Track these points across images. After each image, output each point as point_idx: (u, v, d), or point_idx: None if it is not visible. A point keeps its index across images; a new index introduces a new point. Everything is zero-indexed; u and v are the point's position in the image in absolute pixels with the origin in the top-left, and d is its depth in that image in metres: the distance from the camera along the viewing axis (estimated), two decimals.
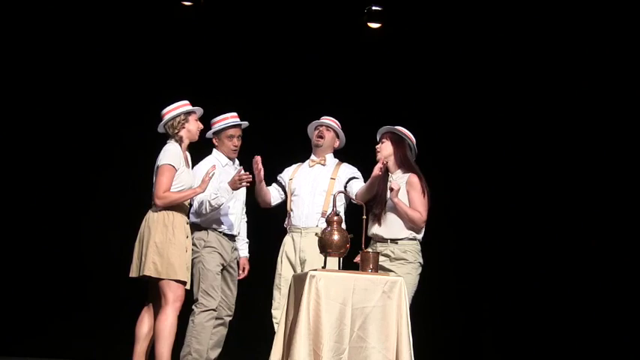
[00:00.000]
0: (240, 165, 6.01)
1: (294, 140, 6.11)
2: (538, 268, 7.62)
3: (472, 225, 7.81)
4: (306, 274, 4.73)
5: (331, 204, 5.37)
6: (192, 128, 5.51)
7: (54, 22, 7.81)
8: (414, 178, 5.63)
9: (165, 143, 5.47)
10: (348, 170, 5.97)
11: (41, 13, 7.81)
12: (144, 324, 5.39)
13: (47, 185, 7.88)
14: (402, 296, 4.74)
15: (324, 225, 5.69)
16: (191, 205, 5.64)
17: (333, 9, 7.79)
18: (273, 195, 5.95)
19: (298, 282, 4.86)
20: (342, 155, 6.13)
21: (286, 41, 7.92)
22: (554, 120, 7.70)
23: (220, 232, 5.77)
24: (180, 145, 5.46)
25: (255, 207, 6.10)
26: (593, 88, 7.55)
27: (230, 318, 5.87)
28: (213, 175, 5.47)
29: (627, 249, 7.36)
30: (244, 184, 5.62)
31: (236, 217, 5.87)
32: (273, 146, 6.24)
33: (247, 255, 6.09)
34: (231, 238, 5.86)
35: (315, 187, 5.89)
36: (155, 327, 5.28)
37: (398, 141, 5.73)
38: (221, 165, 5.83)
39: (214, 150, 5.94)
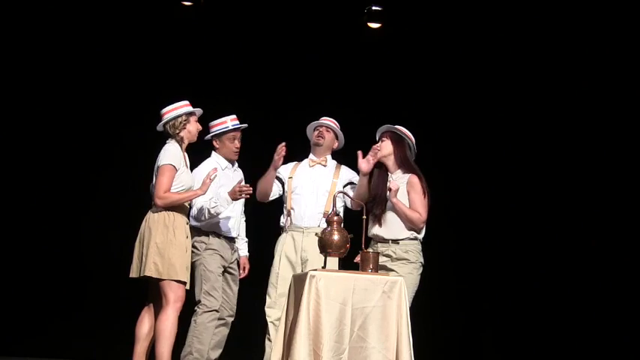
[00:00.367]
0: (240, 168, 6.03)
1: (294, 140, 6.10)
2: (538, 268, 7.62)
3: (472, 225, 7.81)
4: (306, 274, 4.73)
5: (332, 205, 5.39)
6: (192, 129, 5.51)
7: (54, 22, 7.81)
8: (415, 179, 5.63)
9: (165, 143, 5.47)
10: (349, 174, 5.98)
11: (41, 13, 7.81)
12: (144, 324, 5.39)
13: (47, 185, 7.88)
14: (402, 296, 4.74)
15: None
16: (191, 206, 5.64)
17: (333, 9, 7.79)
18: (273, 190, 5.95)
19: (298, 282, 4.86)
20: (341, 155, 6.14)
21: (286, 41, 7.92)
22: (554, 120, 7.70)
23: (221, 235, 5.77)
24: (180, 145, 5.46)
25: (254, 207, 6.09)
26: (593, 88, 7.55)
27: (232, 318, 5.87)
28: (215, 177, 5.47)
29: (627, 249, 7.37)
30: (244, 195, 5.64)
31: (236, 220, 5.88)
32: (273, 146, 6.22)
33: (247, 254, 6.09)
34: (232, 240, 5.86)
35: (318, 187, 5.90)
36: (156, 327, 5.28)
37: (398, 140, 5.72)
38: (221, 168, 5.84)
39: (213, 153, 5.93)
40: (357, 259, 5.15)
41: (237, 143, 5.91)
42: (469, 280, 7.81)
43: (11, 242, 7.81)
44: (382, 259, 5.46)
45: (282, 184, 5.98)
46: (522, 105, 7.77)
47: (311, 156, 6.05)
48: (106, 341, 7.43)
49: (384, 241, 5.58)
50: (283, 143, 5.74)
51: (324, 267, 4.94)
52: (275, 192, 5.96)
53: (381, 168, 5.75)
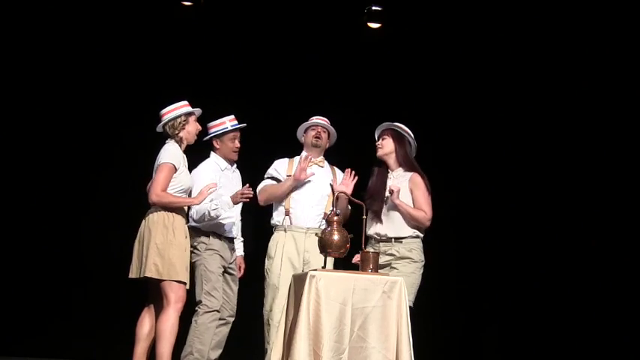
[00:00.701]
0: (240, 168, 6.03)
1: (294, 140, 6.11)
2: (538, 268, 7.63)
3: (472, 225, 7.81)
4: (306, 274, 4.73)
5: (332, 206, 5.40)
6: (191, 130, 5.51)
7: (54, 22, 7.81)
8: (417, 178, 5.62)
9: (164, 143, 5.46)
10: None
11: (41, 13, 7.80)
12: (144, 324, 5.39)
13: (47, 185, 7.88)
14: (402, 296, 4.74)
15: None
16: (190, 207, 5.64)
17: (333, 9, 7.79)
18: None
19: (298, 282, 4.86)
20: (341, 155, 6.14)
21: (286, 41, 7.92)
22: (554, 120, 7.70)
23: (221, 235, 5.78)
24: (179, 146, 5.46)
25: (253, 207, 6.08)
26: (593, 88, 7.55)
27: (232, 318, 5.86)
28: (213, 191, 5.47)
29: (627, 249, 7.37)
30: (245, 199, 5.65)
31: (235, 222, 5.87)
32: (273, 146, 6.23)
33: (243, 254, 6.09)
34: (231, 240, 5.87)
35: (318, 188, 5.88)
36: (156, 327, 5.28)
37: (399, 138, 5.71)
38: (220, 169, 5.84)
39: (212, 153, 5.92)
40: (355, 259, 5.15)
41: (237, 143, 5.91)
42: (469, 280, 7.81)
43: (11, 242, 7.81)
44: (385, 258, 5.47)
45: (279, 181, 5.96)
46: (522, 105, 7.78)
47: (305, 154, 5.99)
48: (106, 341, 7.43)
49: (387, 239, 5.56)
50: (309, 155, 5.77)
51: (324, 267, 4.95)
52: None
53: (381, 166, 5.75)
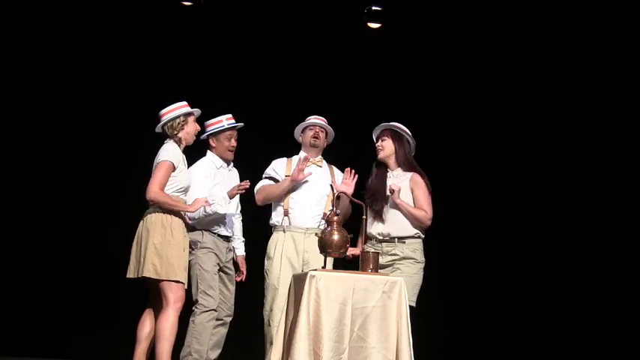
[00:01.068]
0: (239, 167, 6.03)
1: (293, 140, 6.10)
2: (538, 268, 7.63)
3: (472, 225, 7.81)
4: (306, 274, 4.73)
5: (332, 206, 5.42)
6: (190, 130, 5.50)
7: (54, 22, 7.81)
8: (418, 177, 5.63)
9: (163, 143, 5.47)
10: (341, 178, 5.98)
11: (41, 13, 7.80)
12: (145, 325, 5.39)
13: (47, 185, 7.88)
14: (402, 296, 4.74)
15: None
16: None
17: (333, 9, 7.79)
18: None
19: (298, 282, 4.86)
20: (341, 155, 6.14)
21: (286, 41, 7.92)
22: (554, 120, 7.70)
23: (215, 233, 5.77)
24: (178, 146, 5.46)
25: (251, 207, 6.08)
26: (593, 88, 7.55)
27: (230, 318, 5.86)
28: (209, 209, 5.51)
29: (627, 249, 7.37)
30: (241, 190, 5.66)
31: (229, 220, 5.86)
32: (272, 146, 6.22)
33: (244, 254, 6.08)
34: (226, 239, 5.85)
35: (316, 189, 5.88)
36: (156, 327, 5.28)
37: (398, 138, 5.71)
38: (215, 167, 5.85)
39: (209, 152, 5.92)
40: (350, 251, 5.15)
41: (233, 142, 5.91)
42: (469, 280, 7.81)
43: (11, 242, 7.81)
44: (388, 258, 5.47)
45: (277, 181, 5.95)
46: (522, 105, 7.78)
47: (303, 154, 5.99)
48: (106, 341, 7.43)
49: (390, 239, 5.56)
50: (308, 156, 5.78)
51: (324, 267, 4.95)
52: None
53: (380, 165, 5.75)
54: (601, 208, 7.49)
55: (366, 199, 5.58)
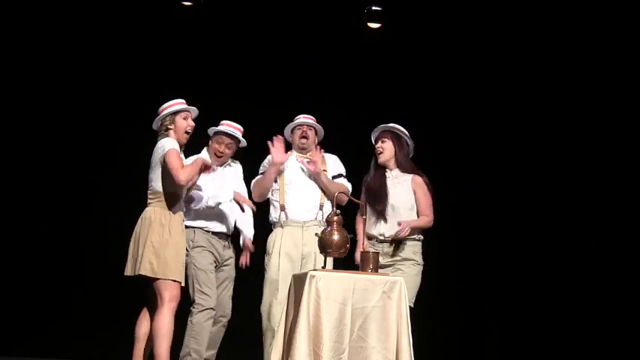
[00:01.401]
0: (240, 167, 6.03)
1: None
2: (538, 268, 7.62)
3: (472, 225, 7.81)
4: (306, 274, 4.73)
5: (325, 197, 5.50)
6: (178, 128, 5.49)
7: (54, 22, 7.81)
8: (419, 179, 5.64)
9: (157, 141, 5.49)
10: (336, 165, 5.99)
11: (41, 13, 7.80)
12: (142, 324, 5.39)
13: (47, 185, 7.88)
14: (402, 296, 4.74)
15: (324, 217, 5.72)
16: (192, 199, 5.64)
17: (333, 9, 7.79)
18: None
19: (298, 282, 4.86)
20: (341, 155, 6.14)
21: (286, 41, 7.92)
22: (554, 120, 7.70)
23: (207, 231, 5.76)
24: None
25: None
26: (593, 88, 7.55)
27: (225, 319, 5.82)
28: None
29: (627, 249, 7.37)
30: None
31: (223, 217, 5.83)
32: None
33: (251, 237, 6.00)
34: (221, 236, 5.83)
35: (311, 181, 5.89)
36: (152, 327, 5.26)
37: (398, 140, 5.71)
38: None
39: (205, 149, 5.93)
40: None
41: (223, 147, 5.87)
42: (469, 280, 7.81)
43: (11, 242, 7.81)
44: (389, 259, 5.46)
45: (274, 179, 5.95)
46: (522, 105, 7.78)
47: (295, 152, 6.01)
48: (106, 341, 7.42)
49: (392, 241, 5.55)
50: (279, 137, 5.78)
51: (324, 267, 4.95)
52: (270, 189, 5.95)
53: (378, 166, 5.74)
54: (601, 208, 7.49)
55: (367, 199, 5.58)
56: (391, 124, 5.73)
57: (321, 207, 5.85)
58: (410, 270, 5.46)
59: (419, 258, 5.55)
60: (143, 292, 5.44)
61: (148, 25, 7.85)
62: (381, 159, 5.69)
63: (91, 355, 7.59)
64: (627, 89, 7.44)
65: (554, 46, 7.63)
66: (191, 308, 5.64)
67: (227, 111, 6.01)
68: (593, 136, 7.56)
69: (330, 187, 5.80)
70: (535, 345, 7.60)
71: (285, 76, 7.91)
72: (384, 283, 4.75)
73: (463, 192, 7.75)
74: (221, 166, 5.88)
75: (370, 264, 4.87)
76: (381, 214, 5.59)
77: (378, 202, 5.60)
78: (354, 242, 5.14)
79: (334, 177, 5.95)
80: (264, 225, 6.07)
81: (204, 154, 5.90)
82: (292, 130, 6.04)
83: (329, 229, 4.93)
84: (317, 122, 6.05)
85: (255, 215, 6.06)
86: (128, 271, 5.36)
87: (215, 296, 5.68)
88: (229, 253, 5.89)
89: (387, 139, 5.70)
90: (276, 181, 5.92)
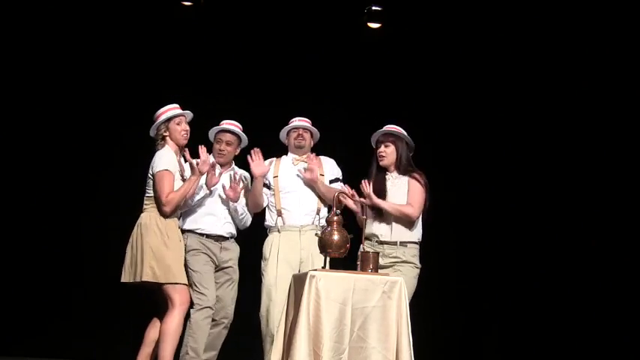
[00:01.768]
0: (240, 168, 6.03)
1: None
2: (538, 268, 7.62)
3: (472, 225, 7.81)
4: (306, 274, 4.73)
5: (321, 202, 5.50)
6: (173, 134, 5.49)
7: (54, 22, 7.81)
8: (415, 176, 5.62)
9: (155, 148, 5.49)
10: (333, 169, 5.98)
11: (41, 13, 7.80)
12: (152, 330, 5.40)
13: (47, 185, 7.88)
14: (402, 296, 4.74)
15: (321, 222, 5.72)
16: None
17: (333, 9, 7.79)
18: (263, 196, 5.90)
19: (298, 282, 4.86)
20: (341, 155, 6.13)
21: (286, 41, 7.92)
22: (554, 120, 7.70)
23: (201, 234, 5.75)
24: (172, 149, 5.47)
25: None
26: (593, 88, 7.55)
27: (226, 320, 5.80)
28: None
29: (627, 249, 7.36)
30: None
31: (217, 219, 5.80)
32: (272, 146, 6.22)
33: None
34: (217, 239, 5.79)
35: (307, 185, 5.88)
36: (161, 328, 5.27)
37: (401, 143, 5.70)
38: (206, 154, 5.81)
39: (210, 156, 5.93)
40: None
41: (224, 145, 5.86)
42: (469, 280, 7.81)
43: (11, 242, 7.81)
44: (388, 260, 5.46)
45: (268, 185, 5.95)
46: (522, 105, 7.77)
47: (290, 154, 6.02)
48: (106, 341, 7.43)
49: (392, 242, 5.55)
50: (256, 149, 5.78)
51: (324, 267, 4.95)
52: (265, 197, 5.91)
53: (378, 167, 5.74)
54: (601, 208, 7.49)
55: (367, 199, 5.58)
56: (393, 128, 5.71)
57: (318, 212, 5.84)
58: (409, 272, 5.46)
59: (416, 260, 5.56)
60: (145, 293, 5.44)
61: (148, 25, 7.85)
62: (384, 162, 5.68)
63: (91, 355, 7.59)
64: (627, 89, 7.44)
65: (554, 46, 7.62)
66: (190, 309, 5.63)
67: (227, 111, 6.01)
68: (593, 137, 7.55)
69: (328, 195, 5.79)
70: (535, 345, 7.60)
71: (285, 76, 7.91)
72: (384, 283, 4.75)
73: (463, 192, 7.75)
74: (223, 165, 5.87)
75: (370, 264, 4.87)
76: (379, 215, 5.59)
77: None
78: (354, 242, 5.13)
79: (331, 181, 5.93)
80: (259, 230, 6.06)
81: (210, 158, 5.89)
82: (288, 133, 6.04)
83: (329, 229, 4.93)
84: (313, 124, 6.03)
85: (253, 218, 6.06)
86: (126, 278, 5.35)
87: (213, 294, 5.66)
88: (228, 254, 5.85)
89: (390, 144, 5.69)
90: (270, 188, 5.92)
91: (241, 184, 5.81)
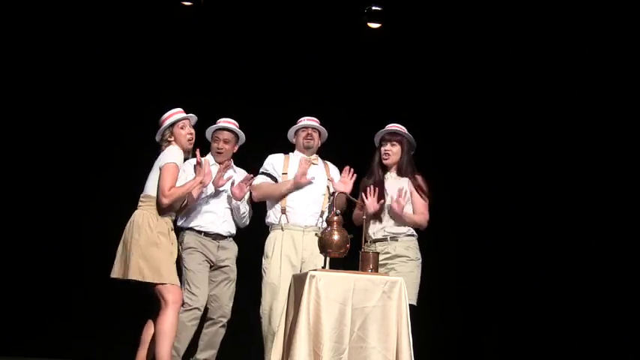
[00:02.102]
0: (240, 168, 6.02)
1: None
2: (538, 268, 7.62)
3: (472, 225, 7.81)
4: (306, 274, 4.73)
5: (327, 205, 5.45)
6: (178, 139, 5.50)
7: (54, 22, 7.81)
8: (417, 180, 5.64)
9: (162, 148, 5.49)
10: (337, 175, 5.98)
11: (41, 13, 7.80)
12: (149, 330, 5.40)
13: (47, 185, 7.88)
14: (402, 296, 4.74)
15: (324, 225, 5.73)
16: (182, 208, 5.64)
17: (333, 9, 7.79)
18: None
19: (298, 282, 4.86)
20: (341, 155, 6.13)
21: (286, 41, 7.92)
22: (554, 120, 7.70)
23: (199, 231, 5.75)
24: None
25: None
26: (593, 88, 7.55)
27: (224, 319, 5.81)
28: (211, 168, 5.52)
29: (627, 249, 7.37)
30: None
31: (217, 217, 5.82)
32: (272, 146, 6.22)
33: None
34: (214, 237, 5.81)
35: (314, 186, 5.88)
36: (156, 328, 5.28)
37: (406, 143, 5.70)
38: (209, 164, 5.83)
39: (209, 155, 5.94)
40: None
41: (222, 144, 5.87)
42: (469, 280, 7.81)
43: (11, 242, 7.81)
44: (381, 257, 5.44)
45: (274, 178, 5.94)
46: (522, 105, 7.78)
47: (298, 152, 6.01)
48: (106, 341, 7.42)
49: (382, 238, 5.55)
50: (309, 158, 5.79)
51: (324, 267, 4.95)
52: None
53: (379, 167, 5.74)
54: (601, 208, 7.49)
55: (366, 199, 5.57)
56: (398, 127, 5.71)
57: (322, 214, 5.83)
58: (402, 267, 5.46)
59: (411, 253, 5.54)
60: (144, 293, 5.44)
61: (148, 25, 7.85)
62: (388, 161, 5.68)
63: (91, 355, 7.59)
64: (627, 89, 7.44)
65: (554, 46, 7.63)
66: (181, 308, 5.63)
67: (227, 111, 6.01)
68: (593, 137, 7.56)
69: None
70: (535, 345, 7.60)
71: (285, 76, 7.91)
72: (384, 283, 4.75)
73: (463, 192, 7.75)
74: (222, 163, 5.86)
75: (370, 264, 4.87)
76: (376, 215, 5.59)
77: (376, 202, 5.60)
78: (354, 242, 5.14)
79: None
80: (260, 227, 6.06)
81: (210, 158, 5.89)
82: (296, 132, 6.03)
83: (329, 229, 4.93)
84: (320, 124, 6.04)
85: (253, 216, 6.06)
86: (115, 274, 5.37)
87: (205, 295, 5.66)
88: (226, 253, 5.86)
89: (396, 143, 5.69)
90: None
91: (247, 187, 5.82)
